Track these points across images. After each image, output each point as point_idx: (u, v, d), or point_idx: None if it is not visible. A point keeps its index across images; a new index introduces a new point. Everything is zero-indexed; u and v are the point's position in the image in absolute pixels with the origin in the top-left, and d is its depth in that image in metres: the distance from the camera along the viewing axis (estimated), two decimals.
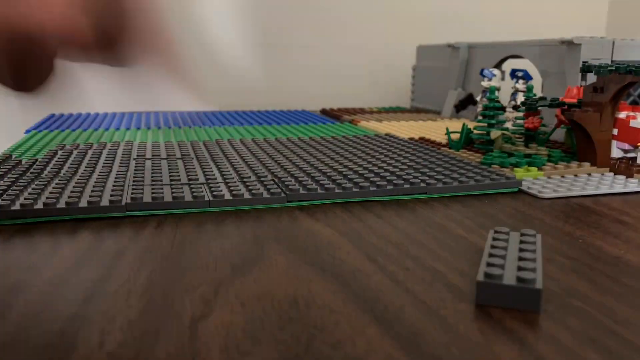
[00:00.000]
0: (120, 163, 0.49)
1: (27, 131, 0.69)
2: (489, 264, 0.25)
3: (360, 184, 0.41)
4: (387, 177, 0.43)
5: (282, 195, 0.39)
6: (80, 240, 0.32)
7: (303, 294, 0.25)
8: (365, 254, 0.30)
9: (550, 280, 0.27)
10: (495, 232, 0.30)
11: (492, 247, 0.28)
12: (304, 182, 0.42)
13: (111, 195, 0.37)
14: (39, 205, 0.35)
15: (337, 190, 0.40)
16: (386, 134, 0.67)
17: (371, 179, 0.43)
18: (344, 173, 0.45)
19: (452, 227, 0.35)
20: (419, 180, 0.43)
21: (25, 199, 0.36)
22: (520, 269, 0.25)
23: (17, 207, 0.35)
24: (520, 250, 0.28)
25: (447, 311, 0.23)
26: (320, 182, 0.42)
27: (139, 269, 0.27)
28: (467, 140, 0.59)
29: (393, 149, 0.57)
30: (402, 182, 0.42)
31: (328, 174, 0.45)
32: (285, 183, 0.41)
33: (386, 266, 0.28)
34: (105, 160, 0.50)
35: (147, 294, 0.25)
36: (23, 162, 0.50)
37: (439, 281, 0.27)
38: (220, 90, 0.99)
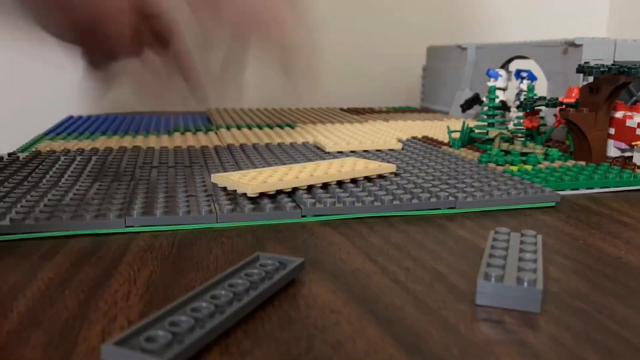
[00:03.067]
0: (124, 172, 0.46)
1: (46, 133, 0.69)
2: (489, 265, 0.25)
3: (382, 197, 0.37)
4: (411, 190, 0.39)
5: (297, 210, 0.36)
6: (81, 240, 0.32)
7: (303, 294, 0.25)
8: (365, 254, 0.30)
9: (551, 281, 0.27)
10: (496, 232, 0.30)
11: (493, 247, 0.28)
12: (319, 195, 0.38)
13: (110, 210, 0.34)
14: (31, 221, 0.32)
15: (356, 205, 0.37)
16: (410, 138, 0.65)
17: (393, 192, 0.39)
18: (363, 184, 0.41)
19: (452, 227, 0.35)
20: (447, 194, 0.39)
21: (16, 212, 0.34)
22: (520, 269, 0.25)
23: (5, 222, 0.32)
24: (521, 250, 0.28)
25: (448, 311, 0.23)
26: (338, 194, 0.38)
27: (139, 269, 0.28)
28: (467, 139, 0.59)
29: (425, 158, 0.53)
30: (428, 195, 0.39)
31: (346, 185, 0.41)
32: (300, 196, 0.38)
33: (387, 266, 0.28)
34: (108, 167, 0.47)
35: (147, 294, 0.25)
36: (21, 157, 0.52)
37: (439, 281, 0.27)
38: (237, 88, 1.00)
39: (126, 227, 0.34)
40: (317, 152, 0.56)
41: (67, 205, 0.35)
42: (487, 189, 0.40)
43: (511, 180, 0.43)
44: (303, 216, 0.36)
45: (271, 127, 0.73)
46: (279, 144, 0.60)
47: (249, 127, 0.73)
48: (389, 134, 0.67)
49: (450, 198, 0.38)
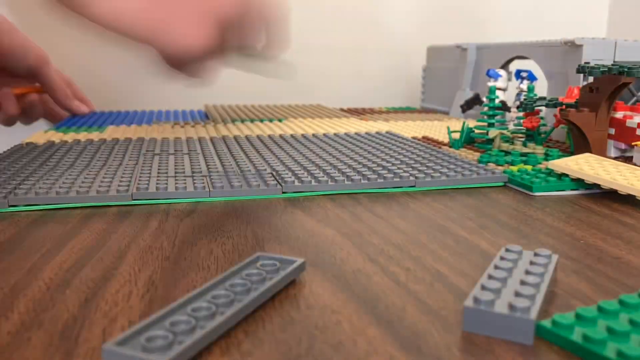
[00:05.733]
0: (130, 157, 0.51)
1: (57, 127, 0.72)
2: (483, 287, 0.23)
3: (352, 177, 0.43)
4: (379, 171, 0.45)
5: (278, 187, 0.41)
6: (82, 239, 0.32)
7: (304, 295, 0.25)
8: (365, 255, 0.30)
9: (552, 281, 0.27)
10: (506, 250, 0.27)
11: (496, 267, 0.25)
12: (299, 175, 0.44)
13: (118, 186, 0.40)
14: (52, 194, 0.38)
15: (330, 183, 0.42)
16: (387, 132, 0.68)
17: (363, 173, 0.44)
18: (338, 167, 0.47)
19: (453, 227, 0.35)
20: (408, 174, 0.44)
21: (39, 187, 0.39)
22: (517, 294, 0.22)
23: (32, 194, 0.38)
24: (527, 272, 0.25)
25: (448, 312, 0.23)
26: (315, 175, 0.44)
27: (140, 269, 0.28)
28: (467, 139, 0.59)
29: (394, 146, 0.57)
30: (392, 175, 0.44)
31: (323, 167, 0.46)
32: (282, 175, 0.43)
33: (387, 267, 0.28)
34: (116, 154, 0.53)
35: (148, 294, 0.25)
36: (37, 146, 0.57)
37: (439, 282, 0.27)
38: (241, 87, 1.00)
39: (132, 199, 0.39)
40: (302, 142, 0.60)
41: (83, 182, 0.41)
42: (444, 170, 0.45)
43: (468, 164, 0.48)
44: (284, 192, 0.41)
45: (262, 121, 0.78)
46: (269, 136, 0.64)
47: (242, 121, 0.78)
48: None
49: (411, 178, 0.43)
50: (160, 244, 0.31)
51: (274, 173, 0.45)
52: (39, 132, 0.67)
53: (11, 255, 0.30)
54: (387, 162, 0.49)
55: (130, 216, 0.36)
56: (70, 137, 0.63)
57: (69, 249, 0.30)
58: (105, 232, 0.33)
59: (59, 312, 0.23)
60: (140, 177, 0.43)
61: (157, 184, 0.41)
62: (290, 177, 0.43)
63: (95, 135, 0.64)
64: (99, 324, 0.22)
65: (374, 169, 0.46)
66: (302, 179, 0.43)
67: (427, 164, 0.48)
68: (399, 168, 0.46)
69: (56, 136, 0.63)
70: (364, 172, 0.45)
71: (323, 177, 0.43)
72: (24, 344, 0.21)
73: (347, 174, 0.44)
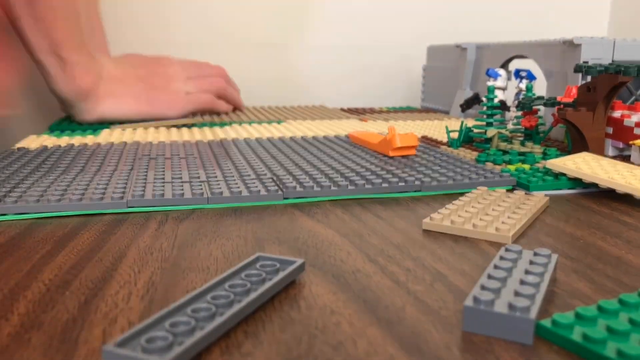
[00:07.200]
0: (125, 162, 0.50)
1: (52, 130, 0.72)
2: (482, 287, 0.23)
3: (356, 182, 0.42)
4: (383, 175, 0.44)
5: (279, 192, 0.40)
6: (82, 241, 0.32)
7: (304, 295, 0.25)
8: (365, 255, 0.30)
9: (551, 281, 0.27)
10: (506, 250, 0.27)
11: (495, 267, 0.25)
12: (301, 180, 0.42)
13: (113, 193, 0.39)
14: (43, 202, 0.37)
15: (332, 188, 0.41)
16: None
17: (367, 177, 0.43)
18: (341, 171, 0.46)
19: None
20: (414, 178, 0.43)
21: (30, 195, 0.37)
22: (517, 294, 0.22)
23: (22, 202, 0.36)
24: (527, 272, 0.25)
25: (448, 312, 0.23)
26: (317, 179, 0.42)
27: (139, 270, 0.28)
28: (466, 139, 0.59)
29: None
30: (397, 179, 0.43)
31: (326, 172, 0.45)
32: (283, 181, 0.42)
33: (387, 267, 0.28)
34: (110, 159, 0.51)
35: (147, 295, 0.25)
36: (29, 151, 0.55)
37: (439, 282, 0.27)
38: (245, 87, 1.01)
39: (128, 207, 0.37)
40: (303, 144, 0.59)
41: (76, 189, 0.40)
42: (450, 174, 0.45)
43: (474, 167, 0.47)
44: (285, 198, 0.40)
45: (261, 123, 0.78)
46: (268, 138, 0.64)
47: (240, 123, 0.77)
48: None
49: (417, 182, 0.42)
50: (160, 245, 0.31)
51: (275, 178, 0.44)
52: (32, 137, 0.65)
53: (10, 257, 0.29)
54: (392, 165, 0.48)
55: (128, 217, 0.36)
56: (63, 141, 0.62)
57: (68, 250, 0.30)
58: (105, 233, 0.33)
59: (59, 313, 0.23)
60: (135, 183, 0.41)
61: (153, 190, 0.39)
62: (292, 182, 0.41)
63: (89, 139, 0.63)
64: (98, 325, 0.22)
65: (377, 172, 0.45)
66: (304, 184, 0.41)
67: (433, 167, 0.47)
68: (403, 172, 0.45)
69: (49, 140, 0.62)
70: (367, 177, 0.43)
71: (325, 182, 0.41)
72: (24, 346, 0.21)
73: (351, 178, 0.42)
